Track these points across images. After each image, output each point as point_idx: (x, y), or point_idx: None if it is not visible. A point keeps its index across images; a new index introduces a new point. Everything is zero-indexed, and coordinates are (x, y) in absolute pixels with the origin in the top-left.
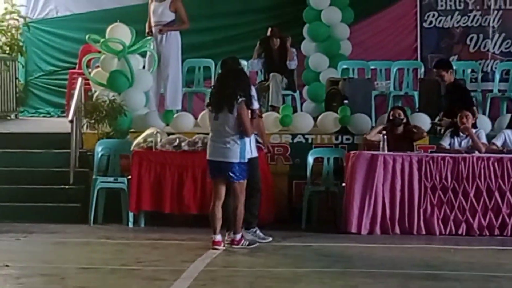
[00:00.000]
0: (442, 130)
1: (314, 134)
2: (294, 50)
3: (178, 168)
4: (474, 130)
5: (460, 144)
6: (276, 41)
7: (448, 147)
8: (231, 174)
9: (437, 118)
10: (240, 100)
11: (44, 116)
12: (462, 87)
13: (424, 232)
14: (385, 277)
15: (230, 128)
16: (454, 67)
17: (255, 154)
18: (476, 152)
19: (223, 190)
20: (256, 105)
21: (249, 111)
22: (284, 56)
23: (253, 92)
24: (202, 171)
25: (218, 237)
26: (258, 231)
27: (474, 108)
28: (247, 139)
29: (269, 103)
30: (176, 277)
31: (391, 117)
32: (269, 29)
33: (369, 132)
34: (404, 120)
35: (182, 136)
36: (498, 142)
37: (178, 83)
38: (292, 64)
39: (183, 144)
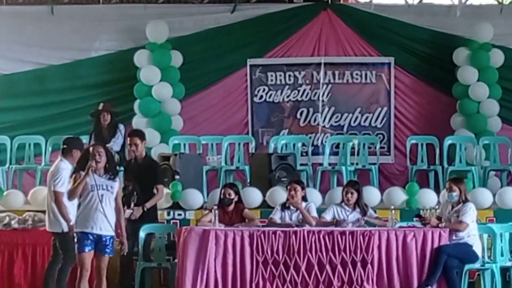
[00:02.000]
0: None
1: None
2: (122, 126)
3: (8, 246)
4: (304, 204)
5: (291, 217)
6: (107, 116)
7: (279, 221)
8: None
9: None
10: None
11: None
12: (152, 161)
13: None
14: None
15: None
16: (285, 141)
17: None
18: (307, 225)
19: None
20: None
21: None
22: (113, 131)
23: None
24: (32, 249)
25: None
26: None
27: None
28: None
29: None
30: None
31: (221, 196)
32: (101, 104)
33: (200, 219)
34: (235, 199)
35: (12, 214)
36: (328, 216)
37: None
38: (115, 146)
39: (13, 222)
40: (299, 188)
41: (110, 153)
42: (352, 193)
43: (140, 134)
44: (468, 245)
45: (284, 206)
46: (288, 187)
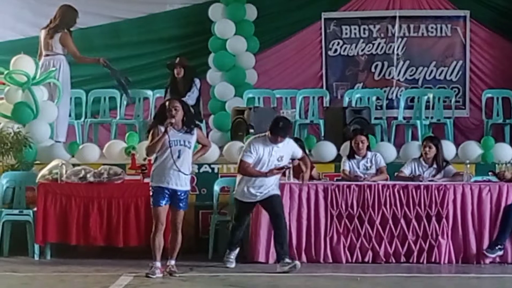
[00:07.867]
0: None
1: (220, 164)
2: (198, 80)
3: (84, 199)
4: (370, 154)
5: (358, 166)
6: (180, 70)
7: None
8: None
9: None
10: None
11: None
12: None
13: (330, 260)
14: None
15: None
16: (359, 95)
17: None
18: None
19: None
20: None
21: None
22: (188, 85)
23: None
24: (108, 202)
25: None
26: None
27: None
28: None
29: None
30: None
31: None
32: (177, 58)
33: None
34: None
35: (88, 167)
36: (406, 170)
37: (64, 115)
38: (189, 100)
39: (88, 175)
40: (365, 139)
41: (188, 106)
42: (430, 147)
43: None
44: None
45: (350, 156)
46: (354, 138)
